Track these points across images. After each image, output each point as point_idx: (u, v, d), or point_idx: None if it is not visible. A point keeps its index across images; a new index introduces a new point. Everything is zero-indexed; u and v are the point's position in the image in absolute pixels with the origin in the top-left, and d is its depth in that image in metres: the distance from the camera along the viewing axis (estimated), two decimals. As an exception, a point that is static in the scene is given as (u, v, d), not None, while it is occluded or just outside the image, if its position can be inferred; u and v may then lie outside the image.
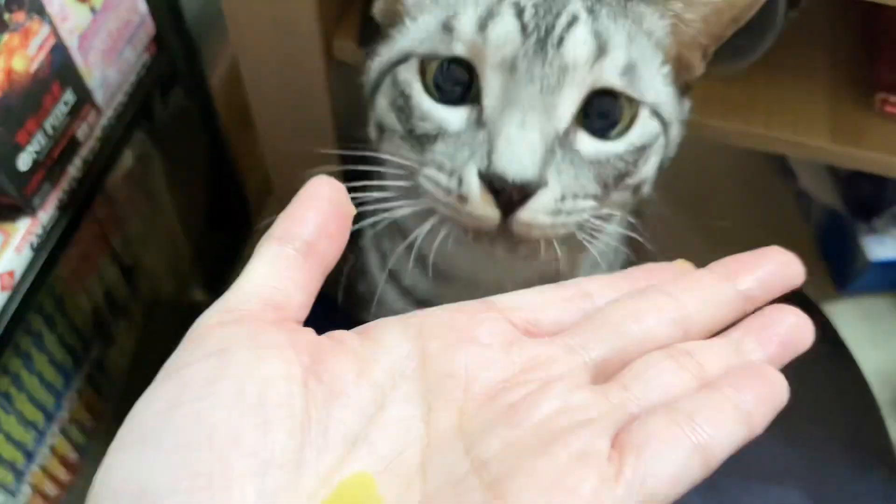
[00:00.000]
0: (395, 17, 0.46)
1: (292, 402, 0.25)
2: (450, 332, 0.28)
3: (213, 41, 0.94)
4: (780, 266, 0.31)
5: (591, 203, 0.42)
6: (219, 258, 1.07)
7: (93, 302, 0.84)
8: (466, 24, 0.40)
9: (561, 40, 0.39)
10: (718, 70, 0.60)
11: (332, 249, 0.29)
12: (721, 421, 0.26)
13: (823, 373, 0.70)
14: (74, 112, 0.67)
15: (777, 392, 0.28)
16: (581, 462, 0.24)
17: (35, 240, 0.65)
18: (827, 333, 0.73)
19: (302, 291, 0.28)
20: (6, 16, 0.57)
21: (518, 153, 0.37)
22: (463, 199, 0.39)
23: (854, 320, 0.76)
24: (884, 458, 0.66)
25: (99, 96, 0.70)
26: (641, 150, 0.43)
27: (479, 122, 0.40)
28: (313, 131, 0.68)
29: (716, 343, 0.29)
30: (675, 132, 0.47)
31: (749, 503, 0.60)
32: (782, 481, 0.62)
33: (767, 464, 0.62)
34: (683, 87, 0.47)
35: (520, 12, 0.39)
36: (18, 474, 0.77)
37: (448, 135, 0.41)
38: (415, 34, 0.43)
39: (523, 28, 0.39)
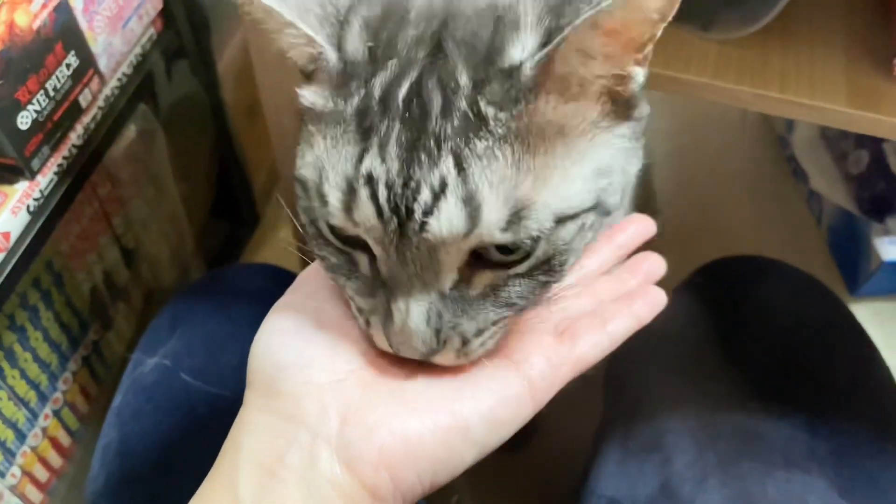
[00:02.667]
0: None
1: None
2: None
3: (223, 26, 0.94)
4: (639, 225, 0.48)
5: (503, 323, 0.38)
6: (222, 248, 1.06)
7: (92, 282, 0.83)
8: (333, 203, 0.34)
9: (423, 225, 0.33)
10: (731, 33, 0.60)
11: None
12: (620, 318, 0.42)
13: (848, 365, 0.68)
14: (77, 76, 0.66)
15: (656, 298, 0.43)
16: (542, 332, 0.40)
17: (32, 203, 0.64)
18: (852, 329, 0.70)
19: None
20: (10, -33, 0.56)
21: (408, 339, 0.36)
22: (372, 338, 0.39)
23: (866, 324, 0.73)
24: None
25: (102, 63, 0.70)
26: (551, 258, 0.37)
27: (380, 278, 0.37)
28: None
29: (607, 278, 0.45)
30: (621, 178, 0.38)
31: (772, 490, 0.57)
32: (808, 470, 0.59)
33: (792, 452, 0.59)
34: (629, 101, 0.38)
35: (374, 193, 0.33)
36: (8, 453, 0.75)
37: (357, 275, 0.38)
38: (305, 173, 0.37)
39: (380, 213, 0.33)
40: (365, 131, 0.34)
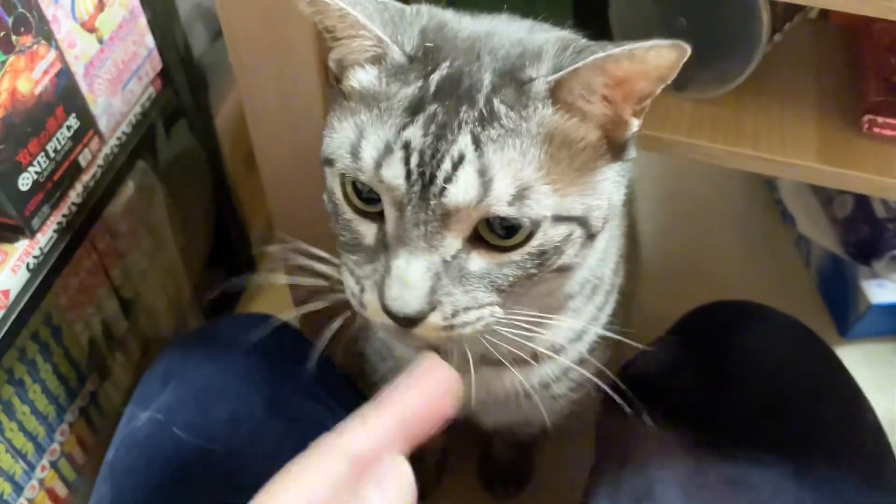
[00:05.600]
0: (343, 89, 0.45)
1: None
2: None
3: (221, 81, 0.97)
4: None
5: (488, 310, 0.43)
6: (219, 297, 1.07)
7: (90, 333, 0.84)
8: (367, 158, 0.41)
9: (443, 190, 0.39)
10: (704, 93, 0.62)
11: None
12: None
13: (836, 413, 0.69)
14: (77, 137, 0.68)
15: None
16: None
17: (32, 261, 0.66)
18: (839, 374, 0.71)
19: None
20: (13, 38, 0.59)
21: (403, 293, 0.40)
22: (363, 306, 0.43)
23: (857, 366, 0.74)
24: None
25: (102, 124, 0.72)
26: (542, 254, 0.42)
27: (383, 242, 0.42)
28: (310, 154, 0.69)
29: None
30: (607, 205, 0.44)
31: None
32: (796, 520, 0.60)
33: (779, 502, 0.60)
34: (623, 145, 0.44)
35: (407, 157, 0.40)
36: (4, 506, 0.75)
37: (362, 247, 0.43)
38: (337, 141, 0.43)
39: (408, 175, 0.40)
40: (414, 110, 0.40)
